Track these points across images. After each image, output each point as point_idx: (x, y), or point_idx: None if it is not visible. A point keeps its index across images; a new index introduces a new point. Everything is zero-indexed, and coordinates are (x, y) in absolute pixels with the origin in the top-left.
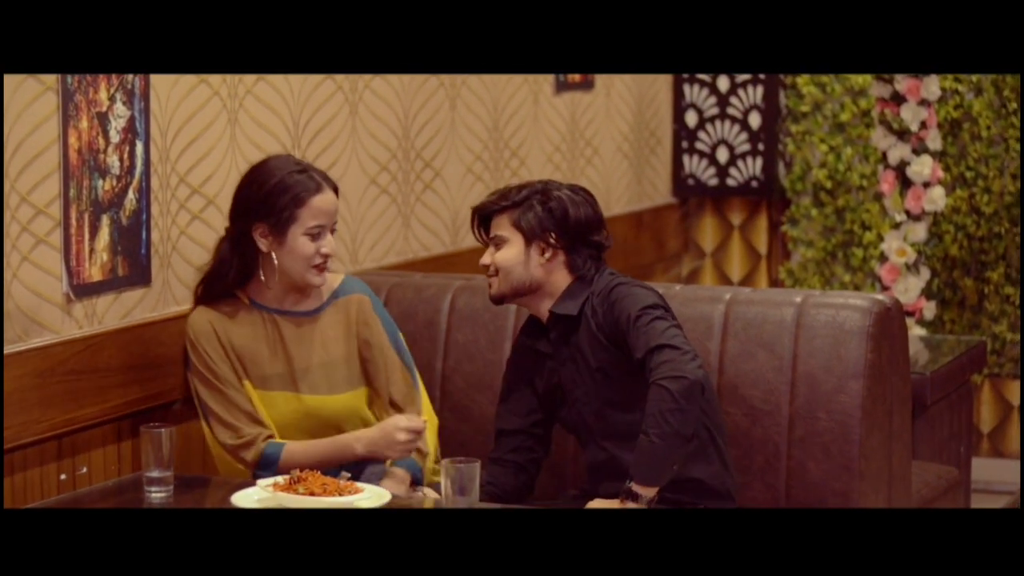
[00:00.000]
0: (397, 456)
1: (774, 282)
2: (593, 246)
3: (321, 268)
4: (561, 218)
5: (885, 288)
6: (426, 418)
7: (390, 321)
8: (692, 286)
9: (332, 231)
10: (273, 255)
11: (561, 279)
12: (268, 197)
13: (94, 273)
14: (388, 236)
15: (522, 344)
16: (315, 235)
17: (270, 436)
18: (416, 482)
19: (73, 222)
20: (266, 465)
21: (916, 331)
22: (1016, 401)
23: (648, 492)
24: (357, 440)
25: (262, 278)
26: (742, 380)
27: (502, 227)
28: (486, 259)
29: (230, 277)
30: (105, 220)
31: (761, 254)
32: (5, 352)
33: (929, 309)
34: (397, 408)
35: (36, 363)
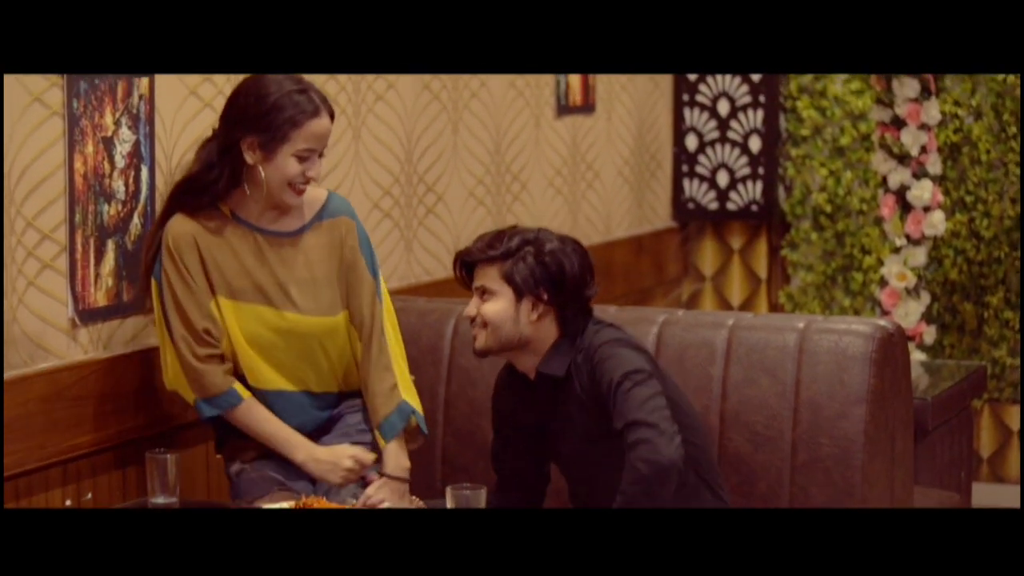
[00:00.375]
0: (336, 481)
1: (774, 306)
2: (584, 300)
3: (300, 191)
4: (556, 274)
5: (885, 312)
6: (394, 346)
7: (368, 243)
8: (695, 311)
9: (320, 155)
10: (260, 170)
11: (548, 335)
12: (265, 114)
13: (99, 298)
14: (391, 260)
15: (504, 395)
16: (304, 158)
17: (230, 373)
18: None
19: (79, 247)
20: (220, 404)
21: (916, 356)
22: (1016, 426)
23: None
24: (305, 450)
25: (247, 191)
26: (745, 406)
27: (490, 278)
28: (471, 310)
29: (217, 187)
30: (111, 245)
31: (761, 278)
32: (9, 377)
33: (929, 334)
34: (364, 333)
35: (41, 388)
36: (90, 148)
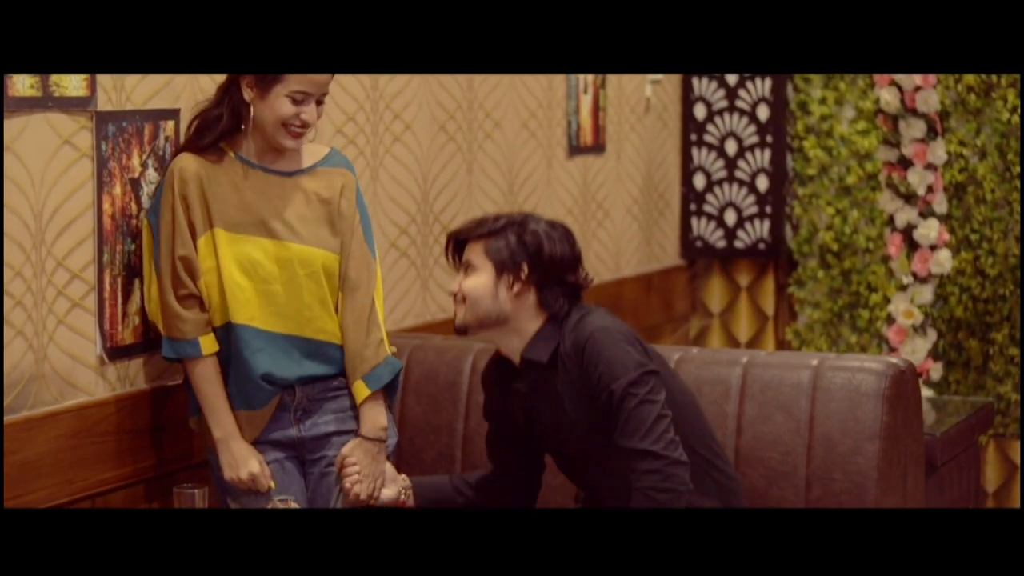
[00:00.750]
0: (226, 475)
1: (781, 343)
2: (567, 285)
3: (296, 134)
4: (535, 252)
5: (893, 349)
6: (380, 308)
7: (363, 202)
8: (709, 349)
9: (319, 102)
10: (254, 108)
11: (531, 317)
12: None
13: (126, 336)
14: (408, 299)
15: (491, 387)
16: (298, 100)
17: (204, 326)
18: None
19: (107, 286)
20: (180, 350)
21: (923, 392)
22: (1020, 461)
23: None
24: (226, 431)
25: (248, 131)
26: (759, 442)
27: (474, 254)
28: (454, 286)
29: (220, 125)
30: (137, 284)
31: (768, 315)
32: (40, 413)
33: (935, 370)
34: (346, 283)
35: (71, 424)
36: (118, 189)
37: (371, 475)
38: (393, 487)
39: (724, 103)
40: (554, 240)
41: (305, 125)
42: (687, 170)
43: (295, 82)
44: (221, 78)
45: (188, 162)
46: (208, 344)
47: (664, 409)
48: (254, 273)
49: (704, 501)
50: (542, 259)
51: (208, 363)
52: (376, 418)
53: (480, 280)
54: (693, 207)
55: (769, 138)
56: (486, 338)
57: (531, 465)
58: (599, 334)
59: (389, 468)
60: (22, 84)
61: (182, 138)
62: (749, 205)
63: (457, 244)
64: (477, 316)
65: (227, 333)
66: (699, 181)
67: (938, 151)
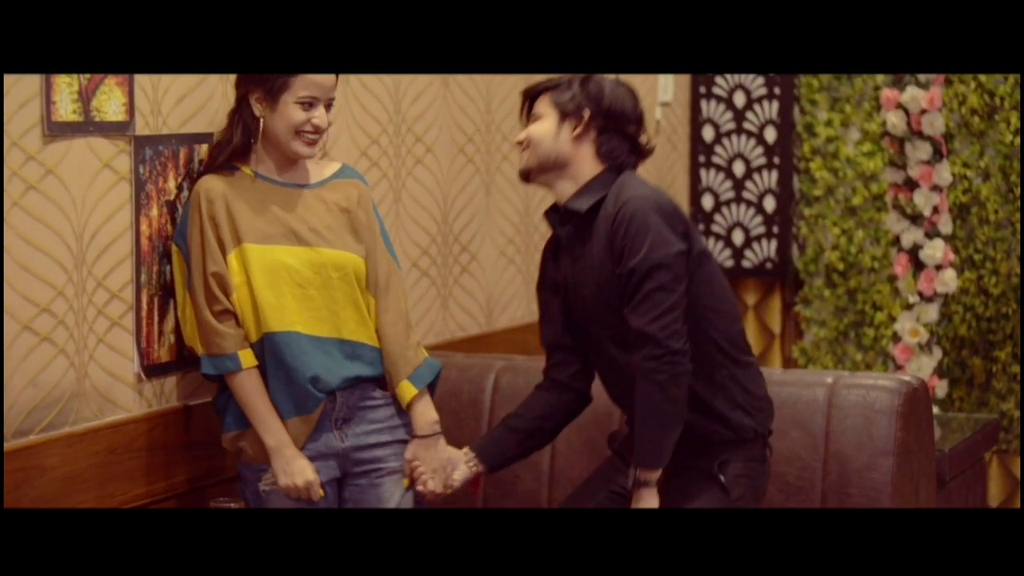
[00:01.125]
0: (280, 482)
1: (787, 361)
2: (627, 138)
3: (310, 141)
4: (596, 98)
5: (898, 367)
6: (401, 303)
7: (380, 216)
8: None
9: (328, 107)
10: (266, 120)
11: (589, 165)
12: None
13: (162, 354)
14: (428, 317)
15: (545, 258)
16: (308, 105)
17: (242, 340)
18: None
19: (144, 305)
20: (221, 365)
21: None
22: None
23: (654, 476)
24: (278, 439)
25: (262, 148)
26: (777, 458)
27: (542, 105)
28: (521, 135)
29: (232, 145)
30: (172, 304)
31: (775, 333)
32: (81, 430)
33: (941, 388)
34: (377, 290)
35: (110, 440)
36: (155, 211)
37: (438, 468)
38: (462, 467)
39: (732, 125)
40: (617, 92)
41: (318, 130)
42: (695, 191)
43: (301, 88)
44: None
45: (212, 182)
46: (248, 358)
47: (680, 299)
48: (291, 280)
49: (730, 412)
50: (602, 106)
51: (252, 375)
52: (426, 414)
53: (544, 126)
54: (702, 227)
55: (776, 159)
56: (545, 184)
57: (575, 348)
58: (640, 204)
59: (451, 451)
60: (64, 109)
61: None
62: (756, 225)
63: (529, 100)
64: (538, 158)
65: (263, 347)
66: (707, 202)
67: (943, 173)
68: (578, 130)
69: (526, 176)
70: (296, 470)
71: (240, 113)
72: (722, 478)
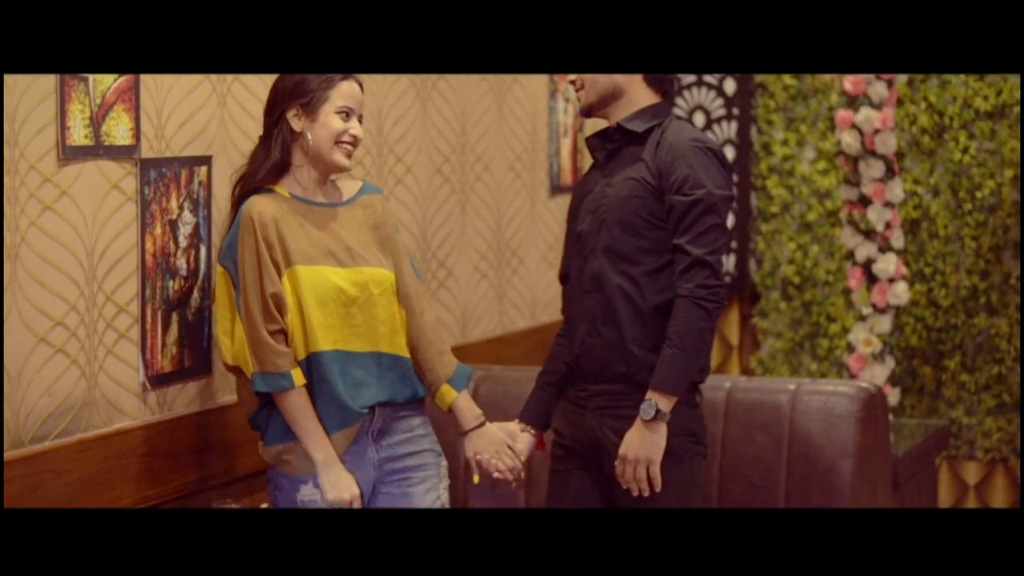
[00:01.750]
0: (327, 496)
1: (745, 370)
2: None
3: (348, 152)
4: None
5: (852, 376)
6: (428, 310)
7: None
8: None
9: (359, 119)
10: (308, 134)
11: (644, 92)
12: (301, 82)
13: (165, 365)
14: None
15: (580, 180)
16: (346, 114)
17: (292, 359)
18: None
19: (148, 319)
20: (274, 383)
21: None
22: (972, 481)
23: (671, 404)
24: (327, 454)
25: (297, 168)
26: (742, 460)
27: None
28: (572, 76)
29: (271, 161)
30: (175, 317)
31: (733, 344)
32: (93, 436)
33: (893, 395)
34: (408, 300)
35: (118, 445)
36: (159, 230)
37: (500, 447)
38: (521, 437)
39: None
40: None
41: (355, 141)
42: None
43: (339, 98)
44: (251, 127)
45: (262, 205)
46: (299, 376)
47: (727, 239)
48: (338, 299)
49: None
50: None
51: (302, 393)
52: (470, 409)
53: None
54: None
55: (735, 177)
56: (603, 116)
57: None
58: (711, 145)
59: (504, 427)
60: (77, 134)
61: (214, 183)
62: None
63: None
64: (597, 92)
65: (310, 365)
66: None
67: (895, 190)
68: None
69: (587, 112)
70: (343, 484)
71: (278, 130)
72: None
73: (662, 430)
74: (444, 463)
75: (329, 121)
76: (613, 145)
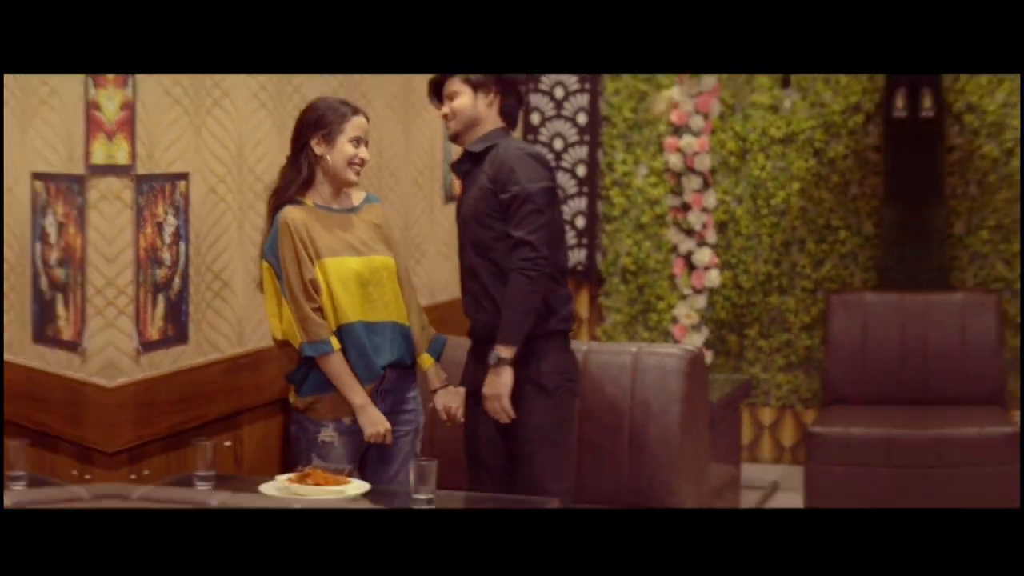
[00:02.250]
0: (368, 431)
1: (593, 338)
2: (517, 96)
3: (358, 172)
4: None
5: (677, 342)
6: (414, 292)
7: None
8: None
9: (366, 144)
10: (327, 157)
11: (494, 123)
12: (323, 115)
13: (153, 334)
14: None
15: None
16: (356, 142)
17: (330, 329)
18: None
19: (141, 299)
20: (318, 348)
21: None
22: (767, 423)
23: (511, 353)
24: (364, 398)
25: (319, 180)
26: (596, 405)
27: (454, 84)
28: (445, 109)
29: (301, 177)
30: (160, 298)
31: (583, 318)
32: (106, 386)
33: (708, 357)
34: (402, 284)
35: (118, 397)
36: (149, 230)
37: (460, 402)
38: (461, 391)
39: (554, 162)
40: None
41: (363, 162)
42: None
43: (351, 129)
44: (219, 150)
45: (295, 213)
46: (335, 342)
47: (548, 221)
48: (357, 281)
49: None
50: (503, 76)
51: (340, 354)
52: (438, 373)
53: (464, 99)
54: None
55: (585, 189)
56: (463, 143)
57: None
58: (530, 151)
59: (456, 390)
60: (99, 154)
61: (191, 194)
62: (571, 238)
63: (435, 87)
64: (463, 123)
65: (340, 334)
66: None
67: (710, 199)
68: (491, 96)
69: (455, 139)
70: (378, 420)
71: (305, 154)
72: (543, 382)
73: (506, 372)
74: (422, 419)
75: (344, 147)
76: (465, 167)
